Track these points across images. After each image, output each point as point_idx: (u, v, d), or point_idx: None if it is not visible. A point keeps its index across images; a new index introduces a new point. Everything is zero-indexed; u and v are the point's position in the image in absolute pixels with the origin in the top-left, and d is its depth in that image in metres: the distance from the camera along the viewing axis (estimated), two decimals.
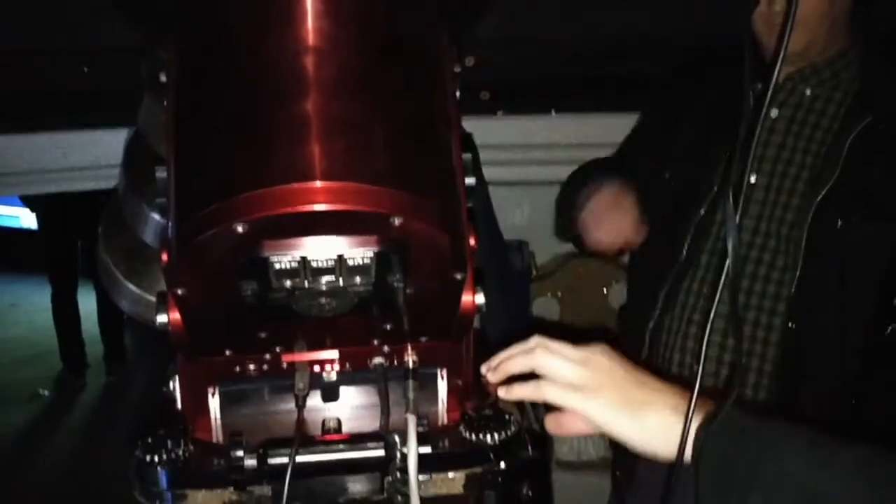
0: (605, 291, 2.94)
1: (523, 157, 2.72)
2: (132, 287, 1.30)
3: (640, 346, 1.74)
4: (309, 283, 0.77)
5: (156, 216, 1.19)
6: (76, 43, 2.21)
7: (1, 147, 2.46)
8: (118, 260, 1.33)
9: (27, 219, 7.14)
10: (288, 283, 0.76)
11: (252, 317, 0.81)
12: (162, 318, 0.86)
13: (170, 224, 0.79)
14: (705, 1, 1.72)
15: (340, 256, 0.75)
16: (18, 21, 2.14)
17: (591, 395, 0.94)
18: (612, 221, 1.70)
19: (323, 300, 0.80)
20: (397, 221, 0.71)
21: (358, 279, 0.77)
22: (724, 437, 0.88)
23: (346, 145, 0.72)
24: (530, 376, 0.97)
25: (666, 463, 0.92)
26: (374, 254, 0.75)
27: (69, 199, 4.82)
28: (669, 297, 1.70)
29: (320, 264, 0.75)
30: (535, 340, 0.99)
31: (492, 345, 1.04)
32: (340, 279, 0.77)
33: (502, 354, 1.00)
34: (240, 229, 0.69)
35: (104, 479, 4.27)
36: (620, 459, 2.03)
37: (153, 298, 1.27)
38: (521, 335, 1.01)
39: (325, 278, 0.77)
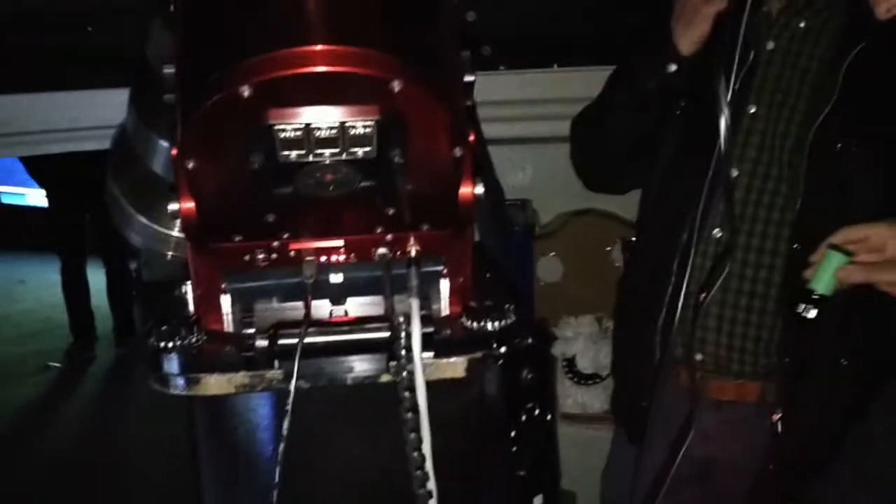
0: (607, 249, 2.98)
1: (525, 112, 2.74)
2: (142, 219, 1.33)
3: (666, 278, 1.75)
4: (313, 156, 0.80)
5: (165, 145, 1.23)
6: (82, 3, 2.25)
7: (7, 107, 2.49)
8: (127, 192, 1.35)
9: (34, 197, 7.19)
10: (293, 154, 0.80)
11: (259, 196, 0.85)
12: (173, 206, 0.90)
13: (177, 102, 0.83)
14: None
15: (343, 124, 0.78)
16: None
17: None
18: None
19: (327, 177, 0.83)
20: (397, 87, 0.74)
21: (360, 152, 0.80)
22: None
23: (349, 12, 0.75)
24: None
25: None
26: (376, 123, 0.79)
27: (77, 172, 4.88)
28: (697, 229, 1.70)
29: (323, 133, 0.78)
30: None
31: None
32: (343, 153, 0.80)
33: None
34: (245, 93, 0.73)
35: (115, 448, 4.35)
36: (626, 411, 2.06)
37: (163, 230, 1.31)
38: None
39: (329, 151, 0.80)
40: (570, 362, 2.99)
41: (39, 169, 5.41)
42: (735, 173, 1.69)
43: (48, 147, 2.66)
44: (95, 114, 2.43)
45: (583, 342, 2.96)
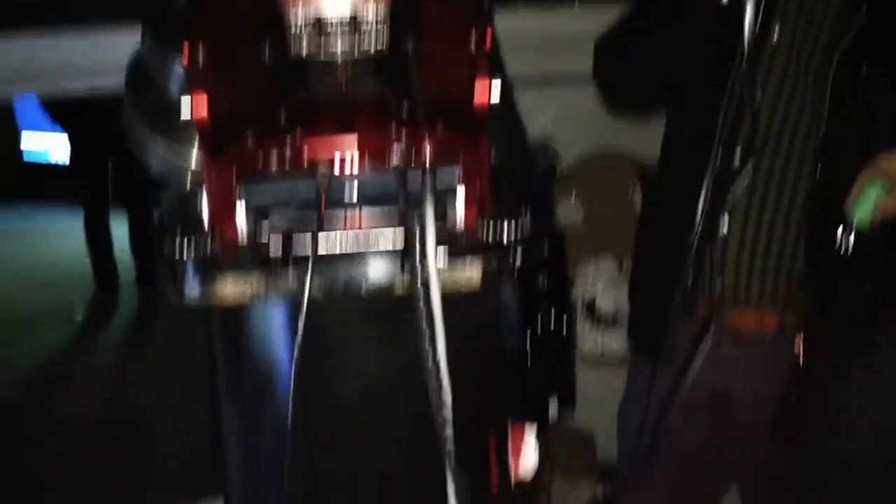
0: (629, 190, 2.96)
1: (546, 50, 2.71)
2: (159, 146, 1.32)
3: (687, 206, 1.71)
4: (325, 54, 0.79)
5: (181, 69, 1.22)
6: None
7: (24, 46, 2.49)
8: (144, 117, 1.35)
9: (56, 153, 7.22)
10: (304, 51, 0.79)
11: (271, 94, 0.84)
12: (186, 102, 0.89)
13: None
14: None
15: (354, 18, 0.77)
16: None
17: None
18: None
19: (340, 73, 0.82)
20: None
21: (372, 46, 0.79)
22: None
23: None
24: None
25: None
26: (388, 13, 0.77)
27: (99, 118, 4.89)
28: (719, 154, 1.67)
29: (334, 24, 0.77)
30: None
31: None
32: (356, 49, 0.79)
33: None
34: None
35: (138, 397, 4.39)
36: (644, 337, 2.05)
37: (179, 161, 1.31)
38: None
39: (340, 44, 0.79)
40: (591, 305, 2.98)
41: (62, 114, 5.40)
42: (759, 96, 1.66)
43: (64, 84, 2.65)
44: (114, 50, 2.42)
45: (603, 284, 2.95)
